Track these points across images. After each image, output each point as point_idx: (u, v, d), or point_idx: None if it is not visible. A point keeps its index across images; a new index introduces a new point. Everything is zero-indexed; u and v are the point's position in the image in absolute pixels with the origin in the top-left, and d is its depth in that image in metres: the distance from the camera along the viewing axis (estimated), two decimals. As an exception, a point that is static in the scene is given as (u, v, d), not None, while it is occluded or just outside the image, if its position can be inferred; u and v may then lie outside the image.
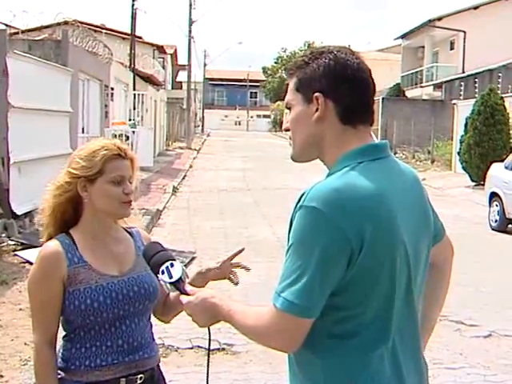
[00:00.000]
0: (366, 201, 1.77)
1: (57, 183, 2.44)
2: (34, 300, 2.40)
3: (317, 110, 1.88)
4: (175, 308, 2.54)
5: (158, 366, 2.56)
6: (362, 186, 1.79)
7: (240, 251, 2.61)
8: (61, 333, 2.44)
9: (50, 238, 2.44)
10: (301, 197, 1.81)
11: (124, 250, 2.50)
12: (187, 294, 2.07)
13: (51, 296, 2.35)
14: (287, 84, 1.99)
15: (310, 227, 1.76)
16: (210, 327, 2.07)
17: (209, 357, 2.31)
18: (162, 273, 2.17)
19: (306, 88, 1.90)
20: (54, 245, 2.39)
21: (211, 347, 2.31)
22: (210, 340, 2.19)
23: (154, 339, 2.55)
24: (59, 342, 2.44)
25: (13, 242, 9.48)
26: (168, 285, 2.16)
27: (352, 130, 1.89)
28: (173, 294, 2.47)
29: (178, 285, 2.14)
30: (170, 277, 2.15)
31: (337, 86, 1.88)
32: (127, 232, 2.57)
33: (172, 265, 2.18)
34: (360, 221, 1.75)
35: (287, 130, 1.98)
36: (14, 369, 5.31)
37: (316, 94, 1.88)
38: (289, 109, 1.97)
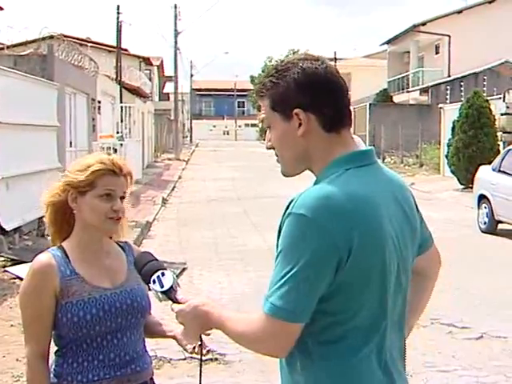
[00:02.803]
0: (353, 207, 1.79)
1: (52, 192, 2.46)
2: (26, 313, 2.39)
3: (299, 125, 1.89)
4: (151, 332, 2.59)
5: (152, 379, 2.56)
6: (349, 192, 1.80)
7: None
8: (53, 348, 2.43)
9: (54, 241, 2.50)
10: (289, 204, 1.83)
11: (116, 263, 2.50)
12: (179, 303, 2.09)
13: (43, 309, 2.34)
14: (259, 105, 1.99)
15: (298, 234, 1.77)
16: (202, 335, 2.08)
17: (201, 365, 2.31)
18: (154, 282, 2.18)
19: (283, 106, 1.91)
20: (46, 257, 2.39)
21: (203, 357, 2.31)
22: (201, 347, 2.21)
23: (146, 351, 2.55)
24: (51, 358, 2.43)
25: (2, 258, 9.44)
26: (159, 294, 2.17)
27: (336, 137, 1.91)
28: (152, 321, 2.53)
29: (169, 294, 2.15)
30: (162, 286, 2.16)
31: (313, 98, 1.89)
32: (119, 246, 2.58)
33: (163, 274, 2.20)
34: (348, 227, 1.77)
35: (271, 148, 1.99)
36: (6, 385, 5.29)
37: (296, 111, 1.88)
38: (268, 128, 1.98)
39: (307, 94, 1.88)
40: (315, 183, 1.90)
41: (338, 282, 1.79)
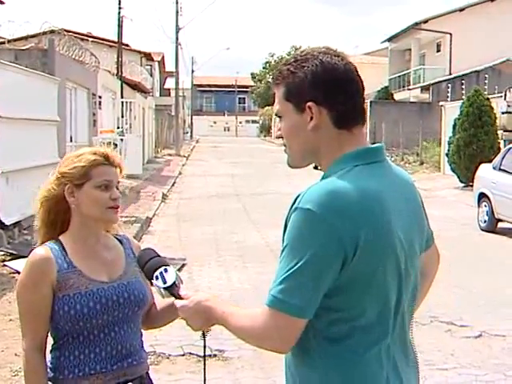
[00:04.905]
0: (360, 204, 1.77)
1: (46, 187, 2.45)
2: (23, 306, 2.39)
3: (311, 118, 1.87)
4: (156, 321, 2.60)
5: (148, 373, 2.55)
6: (357, 189, 1.79)
7: None
8: (49, 343, 2.42)
9: (42, 241, 2.45)
10: (296, 199, 1.82)
11: (114, 256, 2.50)
12: (181, 299, 2.09)
13: (40, 302, 2.34)
14: (274, 93, 1.98)
15: (304, 229, 1.76)
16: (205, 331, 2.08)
17: (205, 361, 2.31)
18: (156, 278, 2.19)
19: (297, 97, 1.89)
20: (43, 251, 2.38)
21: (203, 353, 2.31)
22: (205, 344, 2.20)
23: (143, 347, 2.55)
24: (48, 352, 2.42)
25: (2, 253, 9.44)
26: (162, 290, 2.17)
27: (347, 134, 1.90)
28: (162, 302, 2.49)
29: (172, 290, 2.15)
30: (164, 282, 2.17)
31: (328, 93, 1.87)
32: (117, 239, 2.57)
33: (166, 270, 2.20)
34: (355, 224, 1.75)
35: (279, 137, 1.99)
36: (4, 380, 5.28)
37: (309, 104, 1.87)
38: (279, 117, 1.96)
39: (322, 89, 1.87)
40: (322, 178, 1.88)
41: (344, 278, 1.77)
